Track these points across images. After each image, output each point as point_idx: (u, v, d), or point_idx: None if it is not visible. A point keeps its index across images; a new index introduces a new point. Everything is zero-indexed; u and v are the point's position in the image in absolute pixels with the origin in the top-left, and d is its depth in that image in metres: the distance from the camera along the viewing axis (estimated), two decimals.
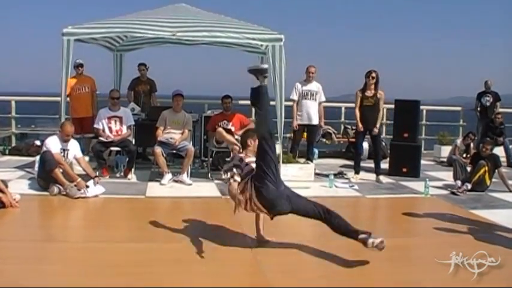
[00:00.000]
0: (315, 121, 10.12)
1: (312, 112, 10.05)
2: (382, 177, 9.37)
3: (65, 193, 7.26)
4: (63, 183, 7.26)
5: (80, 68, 10.02)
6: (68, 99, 9.81)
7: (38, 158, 8.05)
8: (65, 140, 7.71)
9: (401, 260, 5.20)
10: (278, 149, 8.61)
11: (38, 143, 11.19)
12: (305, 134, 10.29)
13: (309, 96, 10.02)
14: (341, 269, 4.83)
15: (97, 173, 8.32)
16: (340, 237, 5.57)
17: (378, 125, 9.28)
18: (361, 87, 9.33)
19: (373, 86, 9.23)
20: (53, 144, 7.57)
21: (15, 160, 10.40)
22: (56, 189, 7.30)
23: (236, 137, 8.90)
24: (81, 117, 9.51)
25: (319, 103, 10.16)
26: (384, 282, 4.67)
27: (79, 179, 7.39)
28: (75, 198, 7.15)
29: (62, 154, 7.62)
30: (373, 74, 9.21)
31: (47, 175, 7.36)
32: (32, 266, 4.62)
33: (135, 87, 10.76)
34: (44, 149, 7.60)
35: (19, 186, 7.66)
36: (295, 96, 10.01)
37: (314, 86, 10.14)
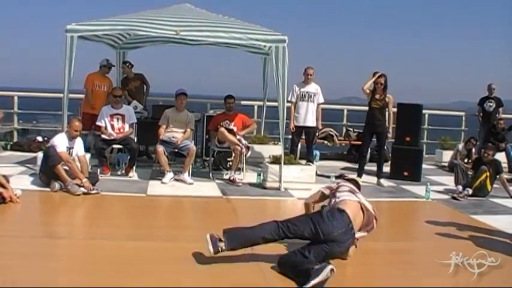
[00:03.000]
0: (312, 123, 10.10)
1: (309, 114, 10.04)
2: (383, 181, 9.38)
3: (66, 190, 7.25)
4: (65, 179, 7.26)
5: (107, 68, 10.08)
6: (86, 94, 10.00)
7: (40, 154, 8.05)
8: (72, 137, 7.69)
9: (401, 264, 5.19)
10: (280, 150, 8.63)
11: (39, 139, 11.22)
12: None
13: (307, 98, 10.02)
14: (341, 272, 4.82)
15: (98, 171, 8.33)
16: None
17: (390, 129, 9.35)
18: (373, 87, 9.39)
19: (381, 90, 9.26)
20: (60, 142, 7.54)
21: (16, 155, 10.41)
22: (57, 186, 7.30)
23: (238, 137, 8.91)
24: (93, 114, 9.50)
25: (318, 105, 10.16)
26: (377, 279, 4.69)
27: (85, 179, 7.40)
28: (77, 195, 7.14)
29: (69, 152, 7.60)
30: (382, 80, 9.23)
31: (49, 170, 7.35)
32: (32, 262, 4.61)
33: (125, 86, 10.75)
34: (49, 144, 7.59)
35: (20, 182, 7.65)
36: (292, 98, 10.02)
37: (312, 87, 10.14)
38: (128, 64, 10.75)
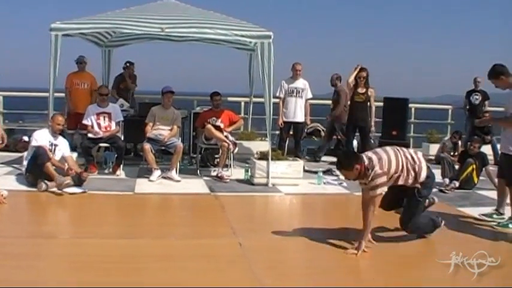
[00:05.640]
0: (300, 118, 10.17)
1: (297, 109, 10.09)
2: None
3: (52, 190, 7.20)
4: (53, 175, 7.19)
5: (81, 64, 10.07)
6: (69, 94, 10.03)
7: (25, 153, 8.00)
8: (55, 131, 7.68)
9: (390, 256, 5.22)
10: (267, 146, 8.64)
11: (25, 138, 11.12)
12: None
13: (295, 94, 10.08)
14: (331, 266, 4.85)
15: (85, 167, 8.29)
16: (329, 234, 5.61)
17: (372, 123, 9.32)
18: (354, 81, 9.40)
19: (363, 84, 9.29)
20: (41, 137, 7.56)
21: (2, 156, 10.27)
22: (43, 186, 7.24)
23: (225, 133, 8.91)
24: (77, 113, 9.51)
25: (306, 100, 10.21)
26: (375, 279, 4.69)
27: (66, 167, 7.47)
28: (65, 183, 7.07)
29: (50, 149, 7.58)
30: (364, 74, 9.26)
31: (37, 170, 7.28)
32: (20, 262, 4.59)
33: (119, 84, 10.76)
34: (34, 143, 7.54)
35: (6, 182, 7.59)
36: (280, 94, 10.05)
37: (300, 83, 10.19)
38: (133, 65, 10.91)
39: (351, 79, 9.36)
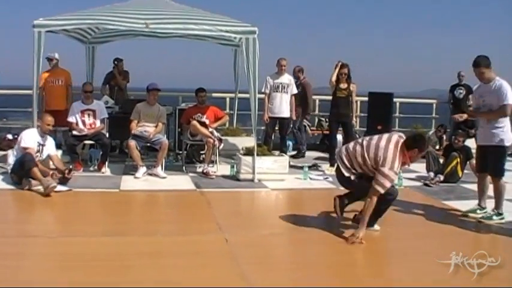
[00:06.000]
0: (286, 114, 10.18)
1: (283, 105, 10.10)
2: None
3: (35, 188, 7.13)
4: (40, 179, 7.12)
5: (52, 61, 9.94)
6: (44, 92, 9.84)
7: (10, 152, 7.94)
8: (44, 131, 7.64)
9: (382, 253, 5.25)
10: (252, 141, 8.64)
11: (9, 136, 11.04)
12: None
13: (280, 89, 10.09)
14: (318, 261, 4.87)
15: (70, 166, 8.23)
16: (315, 229, 5.62)
17: (354, 117, 9.41)
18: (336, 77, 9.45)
19: (345, 80, 9.36)
20: (28, 137, 7.49)
21: None
22: (27, 185, 7.19)
23: (210, 129, 8.90)
24: (54, 110, 9.42)
25: (291, 95, 10.23)
26: (362, 274, 4.71)
27: (51, 172, 7.36)
28: (50, 187, 7.01)
29: (38, 149, 7.53)
30: (345, 71, 9.34)
31: (25, 174, 7.20)
32: (5, 261, 4.55)
33: (109, 81, 10.72)
34: (23, 143, 7.47)
35: None
36: (266, 90, 10.06)
37: (286, 78, 10.20)
38: (121, 62, 10.84)
39: (334, 78, 9.40)
